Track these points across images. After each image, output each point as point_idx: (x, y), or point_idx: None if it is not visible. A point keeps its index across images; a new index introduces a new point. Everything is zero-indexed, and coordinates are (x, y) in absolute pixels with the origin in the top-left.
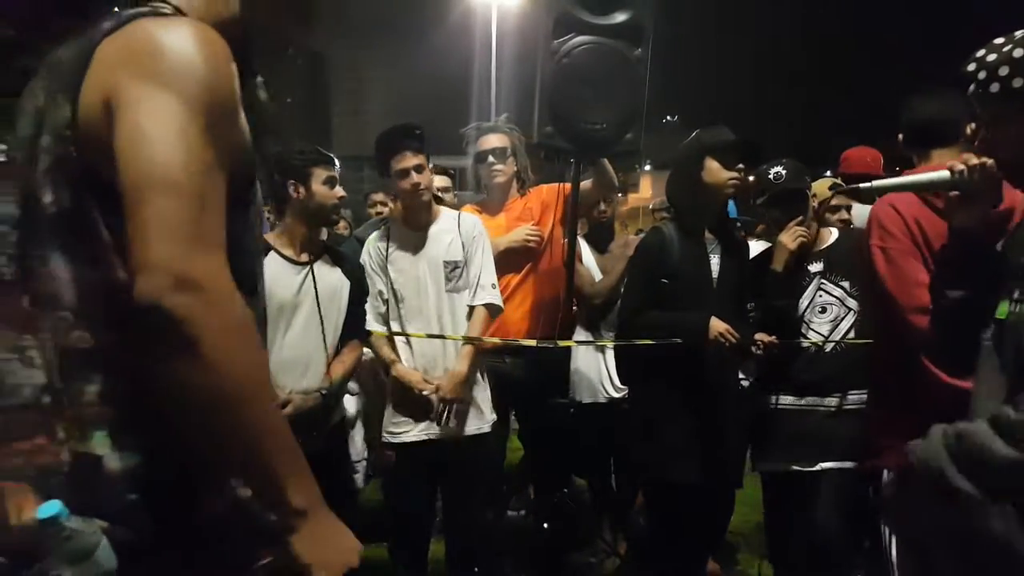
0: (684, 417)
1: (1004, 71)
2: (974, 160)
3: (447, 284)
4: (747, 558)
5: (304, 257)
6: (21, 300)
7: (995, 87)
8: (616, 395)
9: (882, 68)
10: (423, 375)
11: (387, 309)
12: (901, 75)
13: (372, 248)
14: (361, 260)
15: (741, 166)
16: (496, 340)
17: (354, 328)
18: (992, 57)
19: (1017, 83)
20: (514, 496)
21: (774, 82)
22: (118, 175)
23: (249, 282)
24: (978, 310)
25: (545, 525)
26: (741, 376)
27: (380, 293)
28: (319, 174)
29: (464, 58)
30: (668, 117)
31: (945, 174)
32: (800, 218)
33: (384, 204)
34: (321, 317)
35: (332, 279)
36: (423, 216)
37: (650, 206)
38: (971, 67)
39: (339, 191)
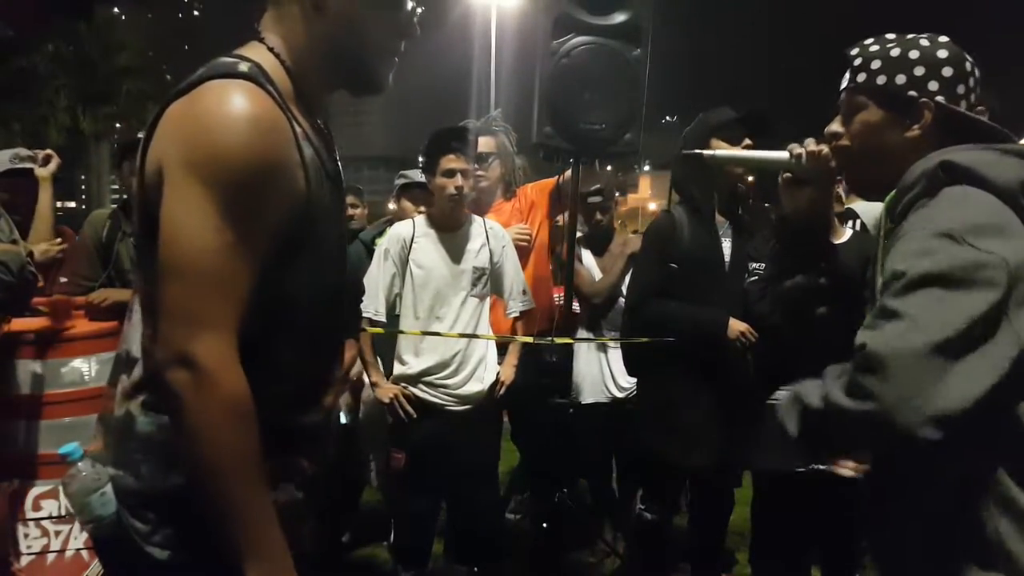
0: (690, 406)
1: (876, 64)
2: (812, 146)
3: (472, 289)
4: (747, 557)
5: None
6: None
7: (861, 77)
8: (619, 394)
9: None
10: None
11: (397, 304)
12: None
13: (395, 237)
14: (381, 248)
15: (748, 141)
16: (492, 336)
17: (351, 327)
18: (874, 49)
19: (880, 80)
20: (513, 499)
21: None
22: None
23: (327, 304)
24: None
25: (545, 525)
26: None
27: (400, 290)
28: None
29: (463, 58)
30: (667, 117)
31: (784, 155)
32: None
33: (354, 207)
34: None
35: None
36: (457, 218)
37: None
38: (853, 51)
39: None
